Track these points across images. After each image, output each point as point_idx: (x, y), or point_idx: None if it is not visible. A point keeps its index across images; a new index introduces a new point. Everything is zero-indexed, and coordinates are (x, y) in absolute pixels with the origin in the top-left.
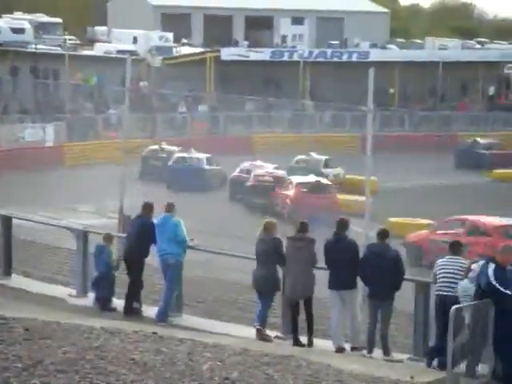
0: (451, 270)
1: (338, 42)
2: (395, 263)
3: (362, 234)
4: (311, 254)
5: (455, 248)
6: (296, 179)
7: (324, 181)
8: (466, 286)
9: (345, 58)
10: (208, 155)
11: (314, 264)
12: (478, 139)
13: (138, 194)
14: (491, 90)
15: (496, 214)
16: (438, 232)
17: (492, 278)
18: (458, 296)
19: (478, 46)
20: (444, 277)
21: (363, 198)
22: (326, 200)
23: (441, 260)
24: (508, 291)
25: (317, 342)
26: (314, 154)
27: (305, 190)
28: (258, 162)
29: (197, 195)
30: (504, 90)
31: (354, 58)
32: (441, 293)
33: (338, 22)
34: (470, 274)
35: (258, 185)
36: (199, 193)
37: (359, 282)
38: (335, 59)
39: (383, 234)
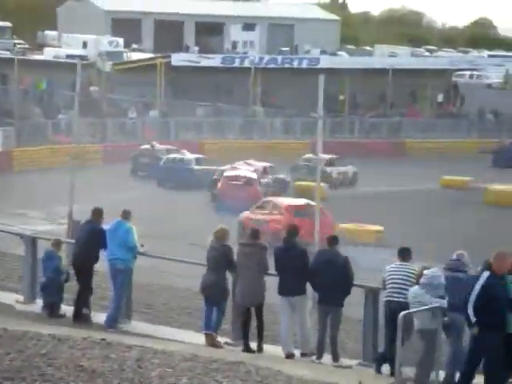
0: (400, 276)
1: (288, 49)
2: (345, 269)
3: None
4: (262, 261)
5: (404, 254)
6: (226, 173)
7: (250, 174)
8: (416, 292)
9: (295, 64)
10: (199, 156)
11: (266, 271)
12: None
13: (89, 199)
14: (440, 97)
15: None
16: (256, 212)
17: (471, 298)
18: (408, 302)
19: (427, 53)
20: (394, 283)
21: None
22: (248, 191)
23: (390, 266)
24: (474, 319)
25: (267, 348)
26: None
27: (232, 182)
28: (250, 161)
29: (184, 193)
30: (452, 97)
31: (305, 64)
32: (390, 298)
33: (288, 28)
34: (422, 280)
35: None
36: (187, 191)
37: (309, 288)
38: (286, 66)
39: (333, 240)
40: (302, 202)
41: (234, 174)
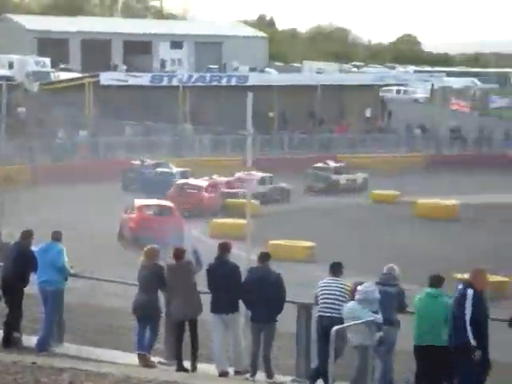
0: (332, 292)
1: (217, 67)
2: (277, 286)
3: (243, 257)
4: (191, 275)
5: (335, 269)
6: (179, 181)
7: (199, 183)
8: (352, 308)
9: (224, 82)
10: (185, 169)
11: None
12: None
13: (22, 221)
14: (368, 113)
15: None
16: (128, 212)
17: (468, 319)
18: (340, 317)
19: (355, 69)
20: (326, 298)
21: (245, 221)
22: (194, 197)
23: (321, 281)
24: (474, 344)
25: (200, 366)
26: (330, 162)
27: (180, 189)
28: (252, 171)
29: None
30: (380, 113)
31: (234, 82)
32: (322, 314)
33: (216, 46)
34: (357, 296)
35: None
36: None
37: (241, 305)
38: (214, 83)
39: (264, 257)
40: (153, 202)
41: (184, 182)
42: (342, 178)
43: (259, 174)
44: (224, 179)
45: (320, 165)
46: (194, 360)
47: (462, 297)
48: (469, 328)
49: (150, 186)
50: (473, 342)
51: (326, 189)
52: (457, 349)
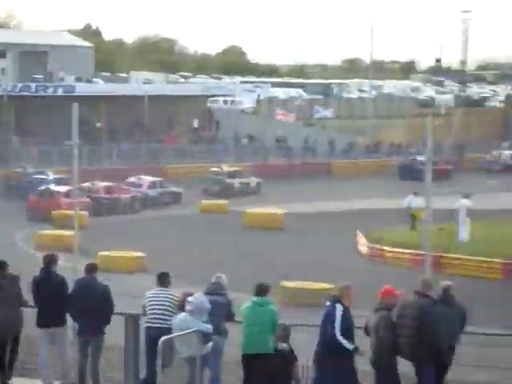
0: (161, 302)
1: (42, 76)
2: (104, 297)
3: (70, 269)
4: (16, 291)
5: (163, 279)
6: (42, 187)
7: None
8: (184, 319)
9: (50, 92)
10: (60, 176)
11: (22, 302)
12: (416, 156)
13: None
14: (195, 123)
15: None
16: None
17: (337, 330)
18: (170, 328)
19: (182, 79)
20: (154, 309)
21: (72, 232)
22: (51, 205)
23: (149, 292)
24: (352, 346)
25: (26, 381)
26: (224, 167)
27: (40, 193)
28: (141, 176)
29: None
30: (207, 123)
31: (60, 92)
32: (150, 325)
33: (41, 55)
34: (188, 307)
35: None
36: None
37: (69, 318)
38: (40, 93)
39: (91, 269)
40: None
41: (45, 187)
42: (236, 182)
43: (149, 179)
44: (102, 185)
45: (215, 169)
46: (11, 371)
47: (332, 311)
48: (341, 337)
49: (27, 193)
50: (350, 347)
51: (221, 192)
52: (331, 361)
